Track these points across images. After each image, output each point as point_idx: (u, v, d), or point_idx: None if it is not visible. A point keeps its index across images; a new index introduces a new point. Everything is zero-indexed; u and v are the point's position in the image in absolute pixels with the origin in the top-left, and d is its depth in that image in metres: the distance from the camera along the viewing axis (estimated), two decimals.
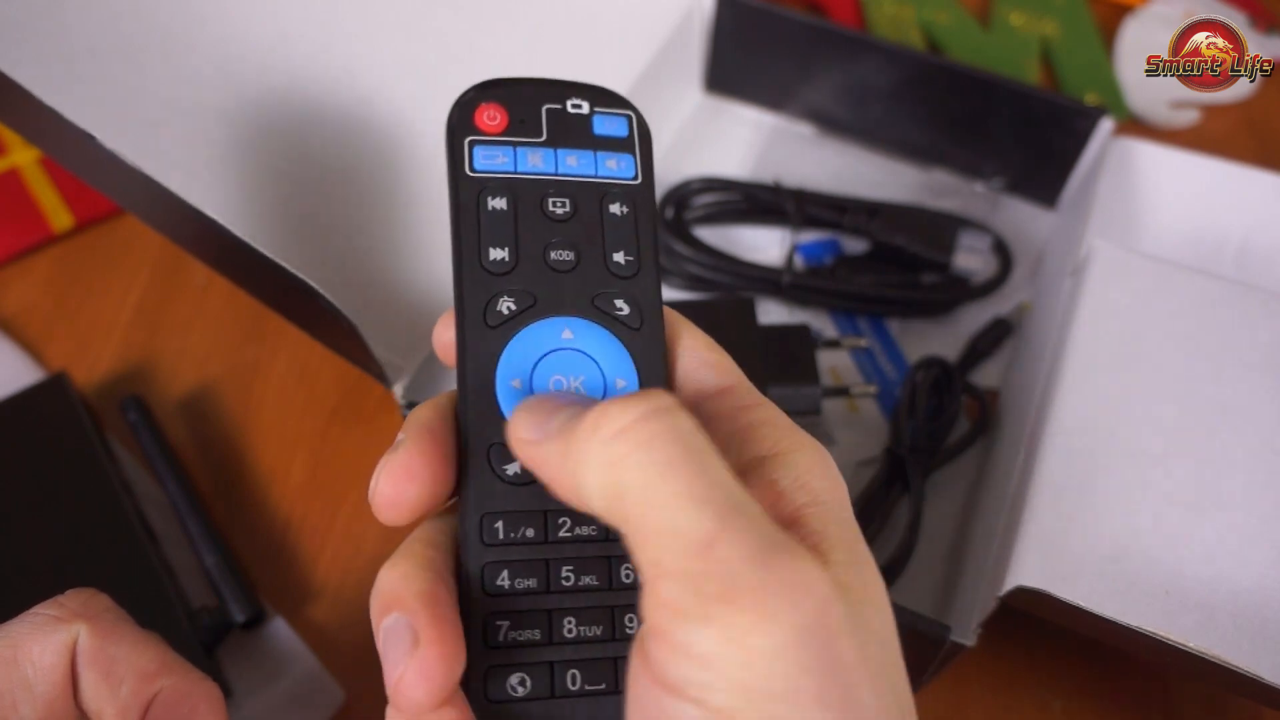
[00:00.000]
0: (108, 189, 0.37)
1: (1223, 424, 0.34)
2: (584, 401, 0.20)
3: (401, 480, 0.22)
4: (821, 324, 0.48)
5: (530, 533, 0.22)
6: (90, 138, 0.30)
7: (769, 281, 0.47)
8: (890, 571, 0.38)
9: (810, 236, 0.51)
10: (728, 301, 0.43)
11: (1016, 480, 0.35)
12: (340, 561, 0.41)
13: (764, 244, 0.50)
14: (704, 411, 0.23)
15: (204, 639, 0.37)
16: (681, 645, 0.17)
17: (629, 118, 0.25)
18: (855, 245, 0.50)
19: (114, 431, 0.45)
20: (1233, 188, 0.46)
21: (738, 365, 0.24)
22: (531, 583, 0.22)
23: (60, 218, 0.52)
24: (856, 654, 0.17)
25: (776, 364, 0.40)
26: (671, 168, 0.53)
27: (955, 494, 0.42)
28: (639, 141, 0.25)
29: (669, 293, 0.48)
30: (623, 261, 0.24)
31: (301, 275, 0.32)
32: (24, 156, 0.53)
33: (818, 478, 0.21)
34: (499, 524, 0.22)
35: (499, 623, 0.21)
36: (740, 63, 0.55)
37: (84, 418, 0.42)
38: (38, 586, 0.28)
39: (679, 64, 0.53)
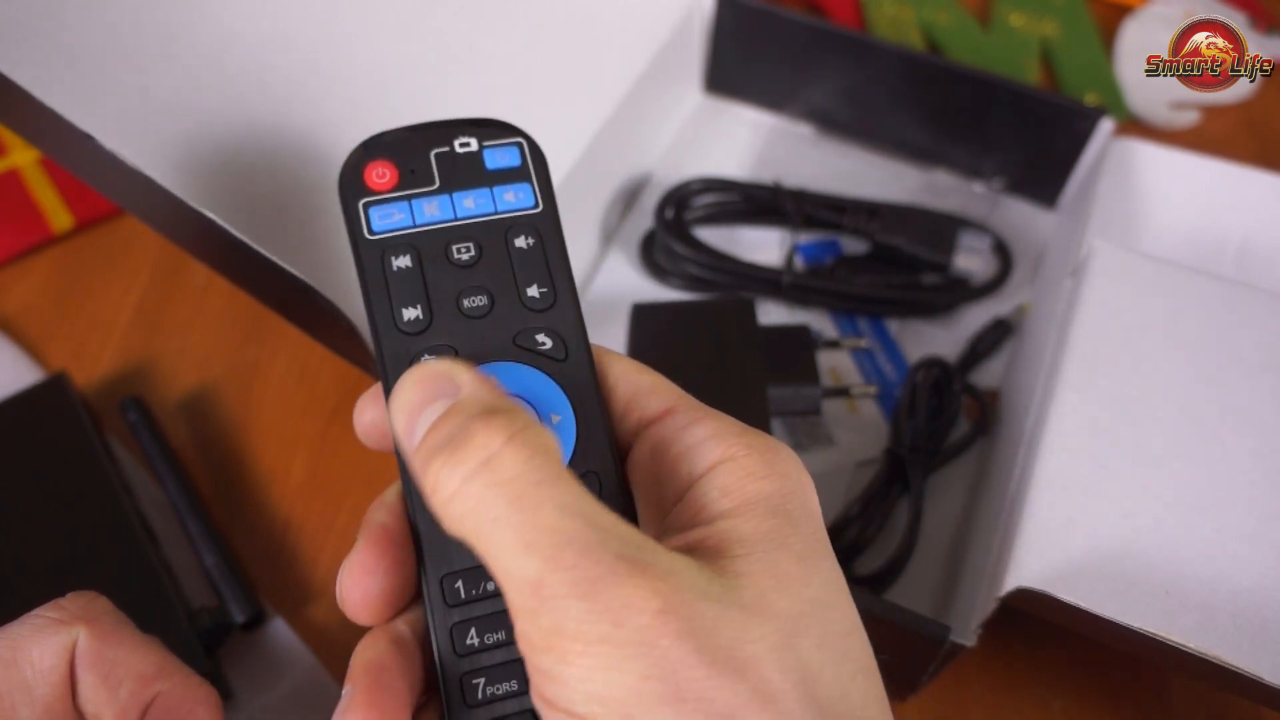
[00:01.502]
0: (108, 189, 0.37)
1: (1223, 424, 0.34)
2: (437, 391, 0.20)
3: (361, 578, 0.23)
4: (821, 324, 0.48)
5: (491, 586, 0.22)
6: (90, 138, 0.30)
7: (769, 282, 0.47)
8: (890, 571, 0.38)
9: (810, 237, 0.51)
10: (728, 301, 0.43)
11: (1016, 480, 0.35)
12: (340, 561, 0.41)
13: (764, 244, 0.50)
14: (650, 438, 0.23)
15: (204, 639, 0.37)
16: (538, 669, 0.19)
17: (520, 145, 0.25)
18: (855, 246, 0.50)
19: (114, 431, 0.45)
20: (1233, 188, 0.46)
21: (674, 383, 0.24)
22: (500, 635, 0.22)
23: (60, 218, 0.52)
24: (726, 637, 0.18)
25: (776, 364, 0.40)
26: (671, 168, 0.53)
27: (955, 494, 0.42)
28: (534, 168, 0.25)
29: (670, 293, 0.48)
30: (537, 294, 0.24)
31: (301, 275, 0.32)
32: (24, 156, 0.53)
33: (754, 479, 0.21)
34: (459, 584, 0.22)
35: (475, 680, 0.22)
36: (740, 63, 0.55)
37: (84, 418, 0.42)
38: (38, 586, 0.28)
39: (679, 64, 0.53)
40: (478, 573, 0.22)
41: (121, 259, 0.52)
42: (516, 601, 0.19)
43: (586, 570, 0.18)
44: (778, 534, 0.21)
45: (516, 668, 0.22)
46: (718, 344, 0.40)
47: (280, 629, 0.39)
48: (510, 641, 0.22)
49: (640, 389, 0.24)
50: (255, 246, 0.32)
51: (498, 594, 0.22)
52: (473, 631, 0.22)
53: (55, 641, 0.25)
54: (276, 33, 0.37)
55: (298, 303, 0.35)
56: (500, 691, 0.22)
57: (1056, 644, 0.39)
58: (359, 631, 0.35)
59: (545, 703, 0.19)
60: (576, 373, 0.24)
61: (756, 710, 0.18)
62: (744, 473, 0.22)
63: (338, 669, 0.38)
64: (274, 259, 0.32)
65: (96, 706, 0.25)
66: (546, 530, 0.18)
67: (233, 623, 0.38)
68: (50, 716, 0.24)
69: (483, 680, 0.22)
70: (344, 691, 0.22)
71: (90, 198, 0.52)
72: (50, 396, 0.43)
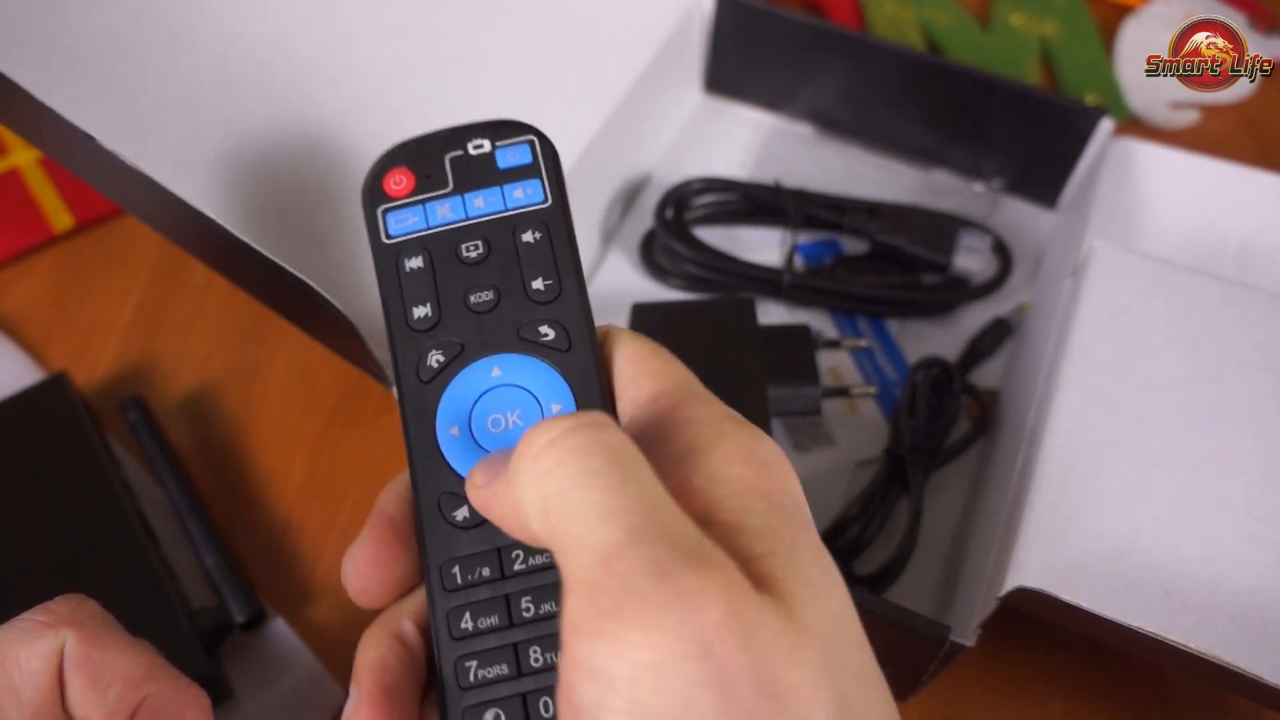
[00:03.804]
0: (108, 189, 0.37)
1: (1223, 424, 0.34)
2: None
3: (365, 569, 0.23)
4: (821, 324, 0.48)
5: (486, 572, 0.23)
6: (90, 138, 0.30)
7: (769, 281, 0.47)
8: (890, 571, 0.38)
9: (810, 237, 0.51)
10: (728, 301, 0.43)
11: (1016, 480, 0.35)
12: (340, 561, 0.41)
13: (764, 244, 0.50)
14: (639, 421, 0.23)
15: (204, 639, 0.37)
16: (580, 662, 0.17)
17: (531, 143, 0.25)
18: (855, 246, 0.50)
19: (114, 431, 0.45)
20: (1233, 188, 0.46)
21: (681, 364, 0.24)
22: (494, 620, 0.23)
23: (60, 218, 0.52)
24: (774, 661, 0.17)
25: (776, 364, 0.40)
26: (671, 168, 0.53)
27: (955, 494, 0.42)
28: (544, 164, 0.25)
29: (670, 293, 0.48)
30: (542, 287, 0.24)
31: (301, 275, 0.32)
32: (24, 156, 0.53)
33: (738, 465, 0.20)
34: (456, 569, 0.23)
35: (468, 663, 0.22)
36: (740, 63, 0.55)
37: (84, 418, 0.42)
38: (38, 586, 0.28)
39: (679, 64, 0.53)
40: (474, 559, 0.23)
41: (121, 259, 0.52)
42: (579, 574, 0.17)
43: (666, 549, 0.17)
44: (788, 531, 0.19)
45: (508, 652, 0.22)
46: (718, 344, 0.40)
47: (280, 629, 0.39)
48: (504, 626, 0.23)
49: (641, 371, 0.23)
50: (255, 246, 0.32)
51: (492, 579, 0.23)
52: (467, 616, 0.23)
53: (43, 645, 0.25)
54: (276, 33, 0.37)
55: (298, 303, 0.35)
56: (491, 675, 0.22)
57: (1056, 644, 0.39)
58: (359, 631, 0.35)
59: (578, 711, 0.17)
60: (579, 363, 0.24)
61: None
62: (724, 458, 0.20)
63: (338, 669, 0.38)
64: (274, 259, 0.32)
65: (85, 710, 0.25)
66: (633, 499, 0.18)
67: (233, 623, 0.38)
68: (39, 719, 0.24)
69: (475, 664, 0.22)
70: (350, 692, 0.22)
71: (90, 198, 0.52)
72: (50, 396, 0.43)
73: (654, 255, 0.49)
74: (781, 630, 0.17)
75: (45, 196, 0.52)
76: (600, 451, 0.18)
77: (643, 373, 0.23)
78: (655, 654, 0.16)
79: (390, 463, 0.44)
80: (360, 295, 0.36)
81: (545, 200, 0.25)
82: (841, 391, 0.43)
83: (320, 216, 0.37)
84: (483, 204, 0.25)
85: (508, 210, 0.25)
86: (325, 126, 0.38)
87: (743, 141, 0.55)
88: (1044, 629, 0.34)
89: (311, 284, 0.32)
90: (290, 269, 0.32)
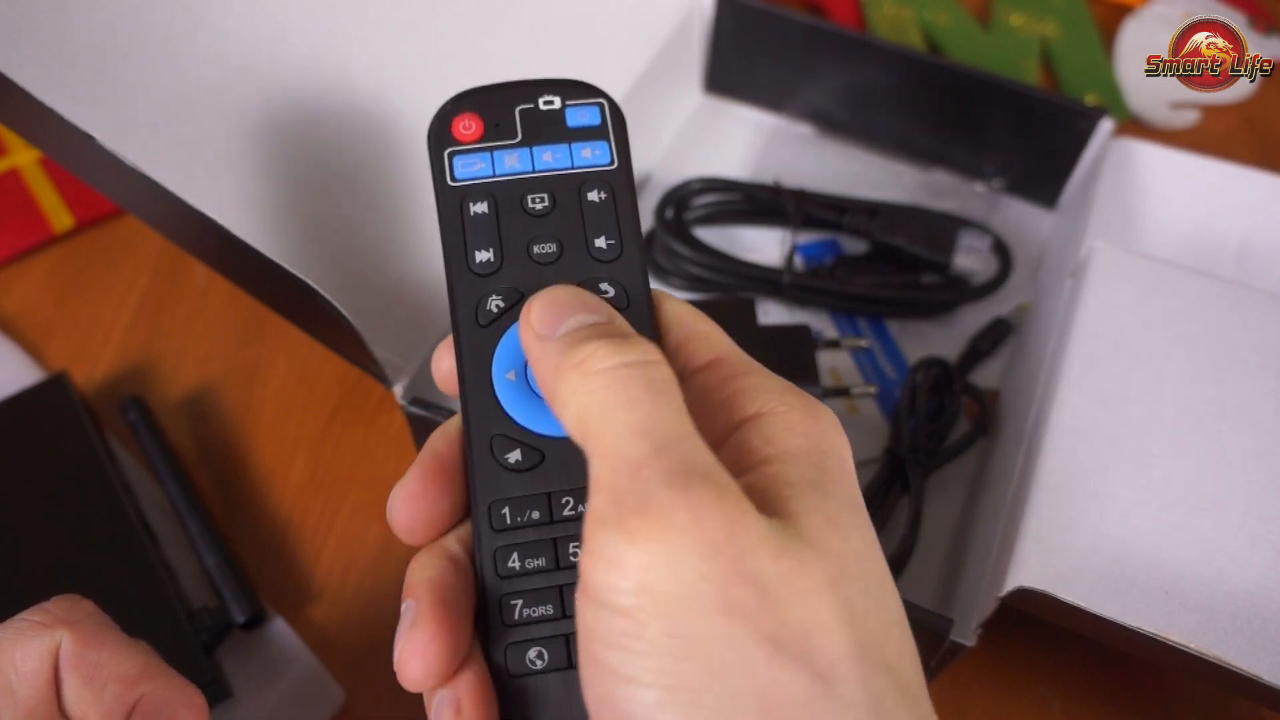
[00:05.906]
0: (108, 189, 0.37)
1: (1223, 424, 0.34)
2: (594, 310, 0.22)
3: (411, 504, 0.24)
4: (821, 324, 0.48)
5: (535, 515, 0.23)
6: (90, 138, 0.30)
7: (769, 281, 0.47)
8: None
9: (810, 237, 0.51)
10: (728, 302, 0.43)
11: (1016, 480, 0.35)
12: (340, 561, 0.41)
13: (764, 244, 0.50)
14: (695, 384, 0.24)
15: (204, 639, 0.37)
16: (597, 550, 0.19)
17: (601, 105, 0.26)
18: (855, 245, 0.50)
19: (114, 432, 0.45)
20: (1233, 188, 0.46)
21: (726, 335, 0.25)
22: (540, 561, 0.23)
23: (60, 218, 0.52)
24: (788, 579, 0.19)
25: (776, 364, 0.40)
26: (671, 168, 0.53)
27: (955, 494, 0.42)
28: (613, 127, 0.26)
29: (670, 293, 0.48)
30: (604, 246, 0.25)
31: (301, 275, 0.32)
32: (24, 157, 0.53)
33: (793, 434, 0.22)
34: (505, 510, 0.23)
35: (513, 602, 0.23)
36: (740, 63, 0.55)
37: (84, 418, 0.42)
38: (38, 586, 0.28)
39: (679, 64, 0.53)
40: (524, 501, 0.23)
41: (121, 259, 0.52)
42: (608, 478, 0.19)
43: (687, 466, 0.19)
44: (821, 483, 0.21)
45: (553, 594, 0.23)
46: None
47: (280, 629, 0.39)
48: (550, 568, 0.23)
49: (692, 335, 0.25)
50: (255, 246, 0.32)
51: (541, 523, 0.23)
52: (515, 556, 0.23)
53: (38, 645, 0.25)
54: (277, 33, 0.37)
55: (298, 303, 0.35)
56: (536, 614, 0.23)
57: (1056, 644, 0.39)
58: (359, 631, 0.35)
59: (590, 598, 0.19)
60: (636, 321, 0.24)
61: (800, 640, 0.18)
62: (783, 426, 0.22)
63: (338, 669, 0.38)
64: (274, 259, 0.32)
65: (81, 709, 0.25)
66: (665, 424, 0.20)
67: (233, 623, 0.38)
68: (34, 719, 0.25)
69: (520, 602, 0.23)
70: (405, 606, 0.23)
71: (90, 198, 0.52)
72: (50, 396, 0.43)
73: (654, 255, 0.49)
74: (789, 544, 0.19)
75: (45, 196, 0.52)
76: (642, 383, 0.20)
77: (693, 335, 0.25)
78: (667, 546, 0.18)
79: (390, 463, 0.44)
80: (360, 295, 0.36)
81: (612, 162, 0.26)
82: (841, 391, 0.43)
83: (320, 216, 0.37)
84: (551, 159, 0.25)
85: (575, 168, 0.25)
86: (325, 127, 0.38)
87: (743, 141, 0.55)
88: (1044, 629, 0.34)
89: (311, 284, 0.32)
90: (290, 269, 0.32)
